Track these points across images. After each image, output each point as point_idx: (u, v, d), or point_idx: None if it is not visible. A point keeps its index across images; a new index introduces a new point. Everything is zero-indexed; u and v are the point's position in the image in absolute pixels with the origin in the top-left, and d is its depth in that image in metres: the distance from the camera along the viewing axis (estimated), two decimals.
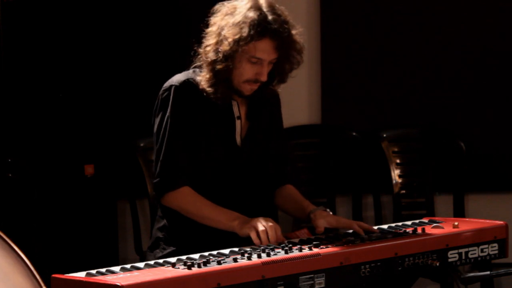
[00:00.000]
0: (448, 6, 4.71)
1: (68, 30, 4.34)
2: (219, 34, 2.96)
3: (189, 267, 2.42)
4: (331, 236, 2.90)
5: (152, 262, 2.55)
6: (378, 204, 4.70)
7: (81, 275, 2.42)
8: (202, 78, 3.01)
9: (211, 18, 3.03)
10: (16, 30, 4.19)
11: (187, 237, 3.03)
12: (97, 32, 4.48)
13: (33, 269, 2.35)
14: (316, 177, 4.72)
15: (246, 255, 2.55)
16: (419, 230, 2.90)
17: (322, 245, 2.70)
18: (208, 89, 2.99)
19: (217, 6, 3.04)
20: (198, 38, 3.07)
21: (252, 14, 2.92)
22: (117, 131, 4.61)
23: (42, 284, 2.35)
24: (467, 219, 3.34)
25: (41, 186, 4.26)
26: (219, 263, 2.47)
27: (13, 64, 4.20)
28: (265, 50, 2.94)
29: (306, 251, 2.62)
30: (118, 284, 2.26)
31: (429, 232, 2.90)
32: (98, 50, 4.48)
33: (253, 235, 2.84)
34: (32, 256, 2.43)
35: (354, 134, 4.72)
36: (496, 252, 2.98)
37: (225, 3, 3.04)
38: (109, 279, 2.32)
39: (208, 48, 2.99)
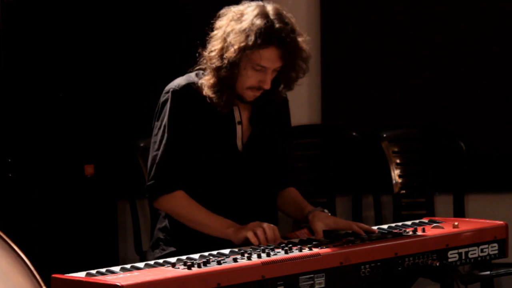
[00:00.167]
0: (448, 6, 4.71)
1: (68, 30, 4.34)
2: (225, 40, 2.92)
3: (189, 267, 2.42)
4: (331, 236, 2.90)
5: (152, 262, 2.55)
6: (378, 204, 4.70)
7: (81, 275, 2.42)
8: (206, 82, 2.98)
9: (217, 22, 3.00)
10: (16, 30, 4.19)
11: (188, 238, 3.02)
12: (97, 32, 4.48)
13: (33, 269, 2.35)
14: (316, 177, 4.72)
15: (246, 255, 2.55)
16: (419, 230, 2.90)
17: (322, 245, 2.70)
18: (212, 95, 2.97)
19: (223, 10, 3.01)
20: (200, 39, 3.06)
21: (259, 22, 2.88)
22: (117, 131, 4.61)
23: (42, 284, 2.35)
24: (467, 219, 3.34)
25: (41, 186, 4.26)
26: (219, 263, 2.47)
27: (13, 64, 4.20)
28: (270, 58, 2.91)
29: (306, 251, 2.62)
30: (118, 284, 2.26)
31: (429, 232, 2.90)
32: (98, 50, 4.48)
33: (250, 235, 2.83)
34: (32, 256, 2.43)
35: (354, 134, 4.72)
36: (496, 252, 2.98)
37: (232, 7, 3.00)
38: (109, 279, 2.32)
39: (212, 54, 2.95)
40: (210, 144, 3.03)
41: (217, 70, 2.93)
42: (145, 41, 4.80)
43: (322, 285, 2.59)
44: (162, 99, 3.07)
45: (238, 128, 3.07)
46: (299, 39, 2.96)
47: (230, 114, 3.06)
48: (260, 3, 2.98)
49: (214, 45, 2.96)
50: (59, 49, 4.32)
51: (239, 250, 2.69)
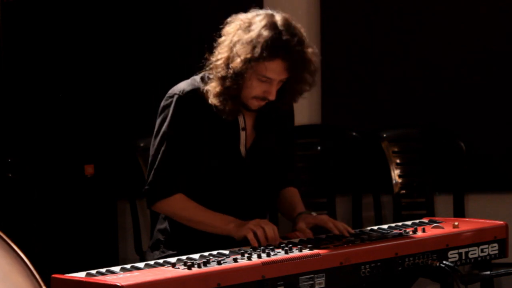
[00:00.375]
0: (448, 6, 4.71)
1: (68, 30, 4.34)
2: (231, 49, 2.89)
3: (189, 267, 2.42)
4: (331, 236, 2.90)
5: (152, 262, 2.55)
6: (378, 204, 4.70)
7: (81, 275, 2.42)
8: (212, 90, 2.95)
9: (225, 28, 2.96)
10: (16, 30, 4.19)
11: (189, 241, 3.02)
12: (97, 32, 4.48)
13: (33, 269, 2.35)
14: (316, 177, 4.72)
15: (246, 255, 2.55)
16: (419, 230, 2.90)
17: (322, 245, 2.70)
18: (217, 103, 2.94)
19: (231, 18, 2.98)
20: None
21: (266, 33, 2.85)
22: (117, 131, 4.61)
23: (42, 284, 2.35)
24: (467, 219, 3.34)
25: (41, 186, 4.26)
26: (219, 263, 2.47)
27: (13, 64, 4.20)
28: (275, 70, 2.88)
29: (306, 251, 2.62)
30: (118, 284, 2.26)
31: (429, 232, 2.90)
32: (98, 50, 4.48)
33: (250, 236, 2.83)
34: (32, 256, 2.43)
35: (354, 134, 4.72)
36: (496, 252, 2.98)
37: (240, 15, 2.97)
38: (109, 279, 2.32)
39: (218, 62, 2.92)
40: (213, 150, 3.03)
41: (222, 80, 2.91)
42: (145, 41, 4.80)
43: (322, 285, 2.59)
44: (165, 102, 3.05)
45: (242, 134, 3.06)
46: (308, 50, 2.93)
47: (235, 120, 3.04)
48: (269, 12, 2.94)
49: (221, 54, 2.93)
50: (59, 49, 4.32)
51: (239, 250, 2.69)
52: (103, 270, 2.45)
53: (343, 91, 4.80)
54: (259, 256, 2.54)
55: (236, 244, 2.84)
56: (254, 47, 2.85)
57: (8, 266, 2.33)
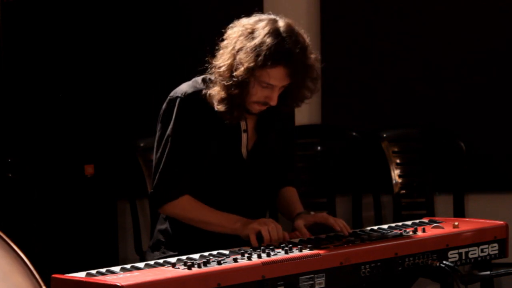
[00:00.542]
0: (448, 6, 4.72)
1: (68, 30, 4.34)
2: (234, 56, 2.88)
3: (189, 267, 2.42)
4: (331, 236, 2.90)
5: (152, 262, 2.55)
6: (378, 204, 4.70)
7: (81, 275, 2.41)
8: (216, 95, 2.94)
9: (227, 32, 2.95)
10: (16, 30, 4.19)
11: (189, 242, 3.02)
12: (97, 32, 4.48)
13: (33, 269, 2.35)
14: (316, 177, 4.72)
15: (246, 255, 2.55)
16: (419, 230, 2.90)
17: (322, 245, 2.70)
18: (221, 109, 2.93)
19: (233, 23, 2.96)
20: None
21: (269, 40, 2.84)
22: (117, 131, 4.61)
23: (42, 284, 2.35)
24: (467, 219, 3.34)
25: (41, 186, 4.26)
26: (219, 263, 2.47)
27: (13, 64, 4.20)
28: (277, 77, 2.88)
29: (306, 251, 2.62)
30: (118, 284, 2.26)
31: (429, 232, 2.90)
32: (98, 50, 4.48)
33: (252, 238, 2.84)
34: (32, 256, 2.43)
35: (354, 134, 4.72)
36: (496, 252, 2.98)
37: (242, 20, 2.95)
38: (109, 279, 2.32)
39: (222, 69, 2.91)
40: (215, 152, 3.03)
41: (227, 87, 2.90)
42: (145, 41, 4.80)
43: (322, 285, 2.59)
44: (166, 105, 3.04)
45: (244, 136, 3.07)
46: (310, 57, 2.93)
47: (236, 122, 3.05)
48: (272, 17, 2.93)
49: (224, 60, 2.91)
50: (59, 49, 4.32)
51: (239, 250, 2.69)
52: (103, 270, 2.45)
53: (343, 91, 4.80)
54: (259, 256, 2.54)
55: (238, 245, 2.84)
56: (257, 55, 2.84)
57: (8, 266, 2.33)
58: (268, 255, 2.56)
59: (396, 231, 2.95)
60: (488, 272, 2.88)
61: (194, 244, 2.97)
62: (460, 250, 2.88)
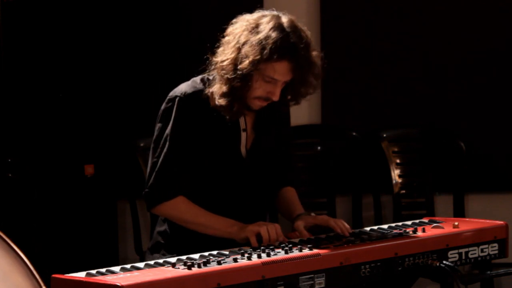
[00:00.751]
0: (448, 6, 4.72)
1: (68, 30, 4.34)
2: (239, 50, 2.88)
3: (189, 267, 2.42)
4: (331, 236, 2.90)
5: (152, 262, 2.55)
6: (378, 204, 4.70)
7: (81, 275, 2.42)
8: (217, 90, 2.95)
9: (229, 28, 2.96)
10: (16, 30, 4.19)
11: (189, 243, 3.01)
12: (97, 32, 4.49)
13: (33, 269, 2.35)
14: (316, 177, 4.72)
15: (246, 255, 2.55)
16: (419, 230, 2.90)
17: (322, 245, 2.70)
18: (223, 104, 2.93)
19: (235, 19, 2.97)
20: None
21: (274, 35, 2.85)
22: (117, 131, 4.61)
23: (42, 284, 2.35)
24: (467, 219, 3.34)
25: (41, 186, 4.26)
26: (219, 263, 2.47)
27: (13, 64, 4.21)
28: (281, 71, 2.88)
29: (306, 251, 2.62)
30: (118, 284, 2.26)
31: (429, 232, 2.90)
32: (98, 50, 4.48)
33: (252, 239, 2.84)
34: (32, 256, 2.43)
35: (354, 134, 4.72)
36: (496, 252, 2.98)
37: (246, 16, 2.96)
38: (109, 279, 2.32)
39: (225, 63, 2.91)
40: (214, 151, 3.03)
41: (230, 81, 2.90)
42: (144, 41, 4.80)
43: (322, 285, 2.59)
44: (166, 105, 3.04)
45: (243, 135, 3.06)
46: (313, 53, 2.94)
47: (235, 121, 3.05)
48: (275, 13, 2.94)
49: (227, 54, 2.92)
50: (59, 49, 4.32)
51: (239, 250, 2.69)
52: (103, 270, 2.45)
53: (343, 91, 4.80)
54: (259, 256, 2.54)
55: (237, 246, 2.84)
56: (263, 49, 2.84)
57: (8, 266, 2.33)
58: (268, 255, 2.56)
59: (396, 231, 2.95)
60: (488, 272, 2.88)
61: (194, 245, 2.96)
62: (460, 250, 2.88)
